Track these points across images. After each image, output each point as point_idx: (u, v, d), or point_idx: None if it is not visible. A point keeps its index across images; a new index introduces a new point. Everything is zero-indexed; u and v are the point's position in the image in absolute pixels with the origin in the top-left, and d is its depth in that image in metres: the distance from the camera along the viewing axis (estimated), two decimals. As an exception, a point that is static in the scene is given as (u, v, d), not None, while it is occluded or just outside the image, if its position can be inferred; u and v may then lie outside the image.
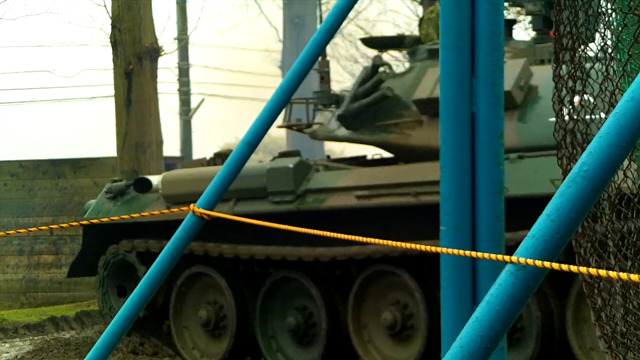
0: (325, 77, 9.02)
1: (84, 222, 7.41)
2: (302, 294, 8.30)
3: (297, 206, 7.90)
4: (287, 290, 8.39)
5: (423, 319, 7.57)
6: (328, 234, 2.97)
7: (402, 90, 8.52)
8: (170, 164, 16.03)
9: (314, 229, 3.10)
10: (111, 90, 14.74)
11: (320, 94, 9.09)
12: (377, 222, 7.63)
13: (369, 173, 8.01)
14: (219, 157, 9.29)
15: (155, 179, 8.99)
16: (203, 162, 9.67)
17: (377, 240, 2.68)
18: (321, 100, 9.06)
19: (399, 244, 2.59)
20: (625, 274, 1.74)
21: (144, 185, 8.91)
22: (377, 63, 8.73)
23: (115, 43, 14.38)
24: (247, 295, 8.64)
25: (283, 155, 8.94)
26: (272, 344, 8.46)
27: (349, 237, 2.80)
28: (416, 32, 11.13)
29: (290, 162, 8.12)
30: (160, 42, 14.98)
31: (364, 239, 2.73)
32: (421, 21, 9.34)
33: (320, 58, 9.40)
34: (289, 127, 9.95)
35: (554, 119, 2.99)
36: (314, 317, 8.26)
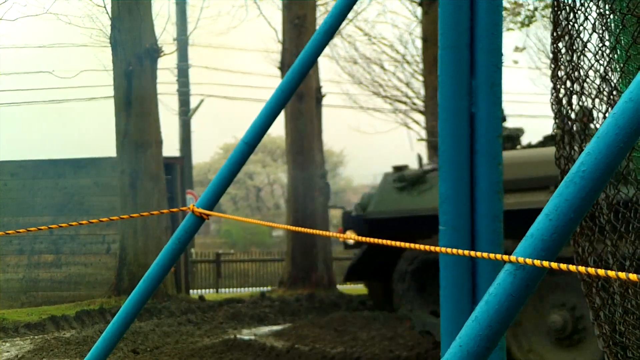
0: None
1: (84, 222, 7.25)
2: None
3: None
4: None
5: None
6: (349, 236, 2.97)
7: None
8: (169, 163, 16.01)
9: None
10: (111, 91, 14.75)
11: None
12: None
13: None
14: (551, 140, 8.21)
15: None
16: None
17: (377, 240, 2.67)
18: None
19: (399, 243, 2.59)
20: (623, 273, 1.74)
21: None
22: None
23: (115, 44, 14.39)
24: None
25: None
26: None
27: (345, 236, 2.79)
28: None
29: None
30: (160, 43, 15.00)
31: (362, 238, 2.73)
32: None
33: None
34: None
35: None
36: None
